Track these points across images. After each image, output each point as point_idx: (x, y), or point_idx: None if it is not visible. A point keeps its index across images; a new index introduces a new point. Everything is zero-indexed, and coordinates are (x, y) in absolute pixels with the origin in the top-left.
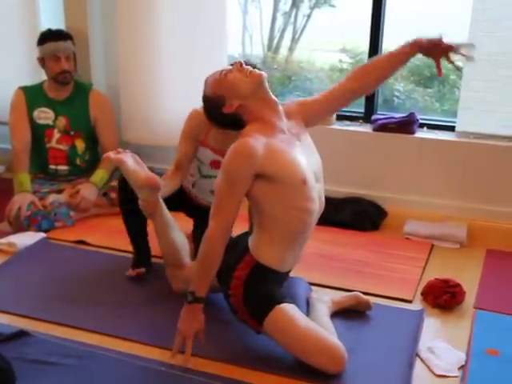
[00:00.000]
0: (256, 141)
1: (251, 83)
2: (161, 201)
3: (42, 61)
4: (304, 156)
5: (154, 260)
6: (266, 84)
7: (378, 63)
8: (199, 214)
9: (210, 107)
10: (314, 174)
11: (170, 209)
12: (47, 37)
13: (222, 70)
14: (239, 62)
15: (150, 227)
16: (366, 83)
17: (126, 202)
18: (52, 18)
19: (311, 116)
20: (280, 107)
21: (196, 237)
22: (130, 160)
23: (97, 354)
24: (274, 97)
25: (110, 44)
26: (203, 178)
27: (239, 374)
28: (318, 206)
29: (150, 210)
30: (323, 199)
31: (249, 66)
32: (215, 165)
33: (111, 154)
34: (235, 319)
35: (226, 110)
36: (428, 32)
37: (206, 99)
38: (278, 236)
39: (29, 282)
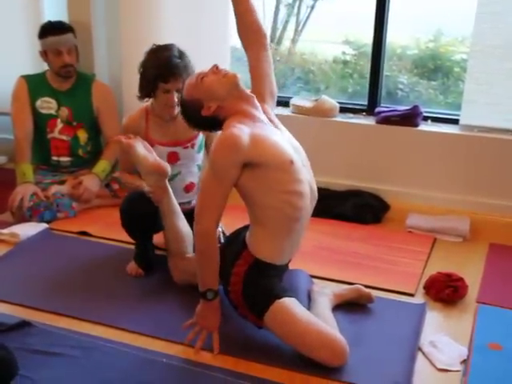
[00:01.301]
0: (240, 130)
1: (226, 84)
2: (168, 187)
3: (45, 54)
4: (286, 142)
5: (156, 252)
6: (241, 84)
7: None
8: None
9: (188, 111)
10: (301, 159)
11: (157, 229)
12: (48, 30)
13: (199, 74)
14: (214, 65)
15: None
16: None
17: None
18: (55, 10)
19: (268, 96)
20: (257, 101)
21: None
22: (139, 145)
23: (99, 345)
24: (249, 93)
25: (113, 35)
26: (170, 180)
27: (241, 366)
28: (308, 190)
29: (157, 197)
30: (315, 187)
31: (224, 68)
32: (173, 158)
33: (122, 138)
34: (236, 313)
35: (205, 112)
36: (432, 25)
37: (184, 103)
38: (272, 227)
39: (31, 272)
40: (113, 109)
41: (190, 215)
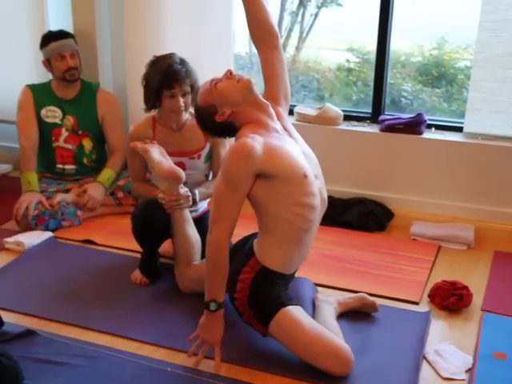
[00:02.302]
0: (254, 140)
1: (241, 90)
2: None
3: (48, 62)
4: (301, 153)
5: (161, 260)
6: (256, 89)
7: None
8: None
9: (202, 117)
10: (313, 170)
11: (166, 237)
12: (49, 38)
13: (213, 80)
14: (228, 70)
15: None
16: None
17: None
18: (60, 20)
19: (280, 96)
20: (271, 109)
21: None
22: (155, 151)
23: (104, 354)
24: (264, 100)
25: (118, 44)
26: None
27: (245, 375)
28: (319, 202)
29: (170, 203)
30: (325, 196)
31: (238, 74)
32: (179, 167)
33: (138, 144)
34: (241, 321)
35: (219, 118)
36: (436, 32)
37: (198, 109)
38: (282, 237)
39: (36, 281)
40: (117, 117)
41: (197, 223)
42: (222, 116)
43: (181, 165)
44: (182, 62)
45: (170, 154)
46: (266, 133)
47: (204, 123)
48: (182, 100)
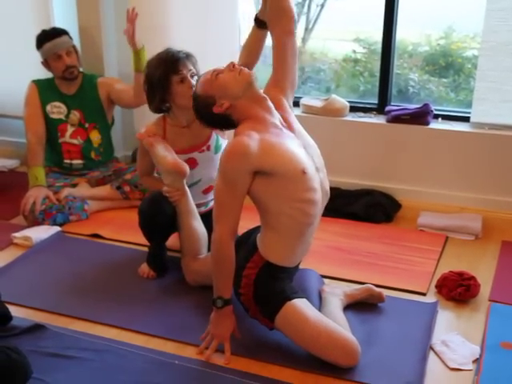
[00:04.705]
0: (250, 138)
1: (242, 84)
2: (186, 188)
3: (46, 63)
4: (301, 147)
5: (169, 254)
6: (256, 83)
7: None
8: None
9: (199, 106)
10: (314, 163)
11: (173, 231)
12: (43, 39)
13: (214, 70)
14: (232, 62)
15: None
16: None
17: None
18: (65, 15)
19: (287, 84)
20: (270, 103)
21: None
22: (160, 145)
23: (112, 348)
24: (263, 94)
25: (123, 39)
26: (190, 187)
27: (253, 367)
28: (320, 196)
29: (175, 197)
30: (327, 189)
31: (241, 66)
32: (191, 164)
33: (144, 136)
34: (247, 315)
35: (216, 109)
36: (443, 21)
37: (197, 98)
38: (284, 232)
39: (44, 275)
40: (123, 82)
41: (207, 217)
42: (219, 108)
43: (192, 161)
44: (180, 50)
45: (181, 152)
46: (263, 129)
47: (200, 112)
48: (192, 80)
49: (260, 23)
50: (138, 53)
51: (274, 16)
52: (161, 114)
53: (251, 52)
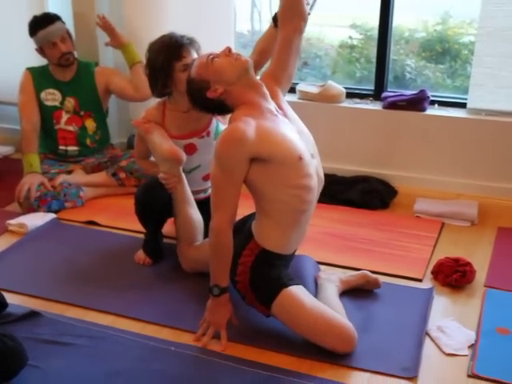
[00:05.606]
0: (246, 124)
1: (237, 69)
2: (183, 175)
3: (41, 50)
4: (296, 133)
5: (165, 240)
6: (252, 70)
7: None
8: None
9: (193, 90)
10: (308, 149)
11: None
12: (35, 26)
13: (210, 54)
14: (227, 47)
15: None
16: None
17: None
18: (58, 1)
19: (283, 78)
20: (265, 89)
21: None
22: (156, 132)
23: (108, 335)
24: (259, 81)
25: (117, 23)
26: (189, 173)
27: (250, 354)
28: (316, 182)
29: (171, 184)
30: (322, 175)
31: (237, 52)
32: (190, 150)
33: (140, 123)
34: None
35: (210, 94)
36: (440, 7)
37: (191, 81)
38: (280, 219)
39: (39, 262)
40: (122, 74)
41: (206, 204)
42: (213, 92)
43: (191, 146)
44: (182, 35)
45: (180, 137)
46: (259, 115)
47: (193, 96)
48: None
49: (277, 23)
50: (126, 49)
51: (286, 15)
52: (161, 99)
53: (264, 50)
